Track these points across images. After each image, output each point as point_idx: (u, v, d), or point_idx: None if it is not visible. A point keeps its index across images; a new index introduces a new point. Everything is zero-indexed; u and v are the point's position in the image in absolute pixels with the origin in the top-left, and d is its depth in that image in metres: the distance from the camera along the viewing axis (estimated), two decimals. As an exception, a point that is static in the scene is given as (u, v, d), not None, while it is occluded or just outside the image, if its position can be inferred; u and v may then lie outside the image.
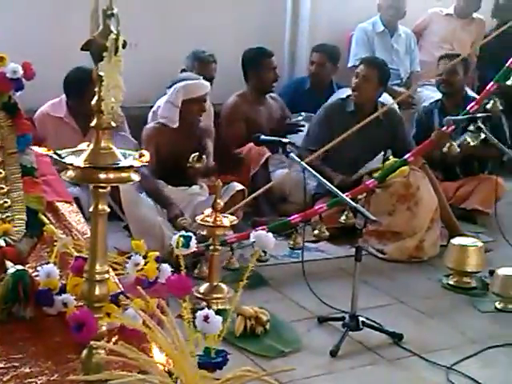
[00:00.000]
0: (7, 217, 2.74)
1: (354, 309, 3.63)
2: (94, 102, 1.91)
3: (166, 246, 4.16)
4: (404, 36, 6.84)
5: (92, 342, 1.98)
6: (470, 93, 5.94)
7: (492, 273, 4.29)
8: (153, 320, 2.08)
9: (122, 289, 2.46)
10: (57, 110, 5.01)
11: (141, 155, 1.96)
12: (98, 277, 2.01)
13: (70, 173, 1.92)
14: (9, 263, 2.51)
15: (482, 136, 4.89)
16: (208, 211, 3.93)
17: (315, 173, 4.09)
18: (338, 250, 4.84)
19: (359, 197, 4.68)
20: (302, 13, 6.66)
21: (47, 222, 2.76)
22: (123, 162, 1.93)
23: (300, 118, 5.83)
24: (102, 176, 1.90)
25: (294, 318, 3.88)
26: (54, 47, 5.30)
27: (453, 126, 4.81)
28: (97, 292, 2.02)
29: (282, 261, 4.65)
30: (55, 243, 2.65)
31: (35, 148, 1.99)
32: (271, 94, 5.81)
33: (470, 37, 7.15)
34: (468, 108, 4.96)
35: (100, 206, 1.97)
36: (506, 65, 4.86)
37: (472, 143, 4.99)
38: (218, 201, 3.90)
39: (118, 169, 1.91)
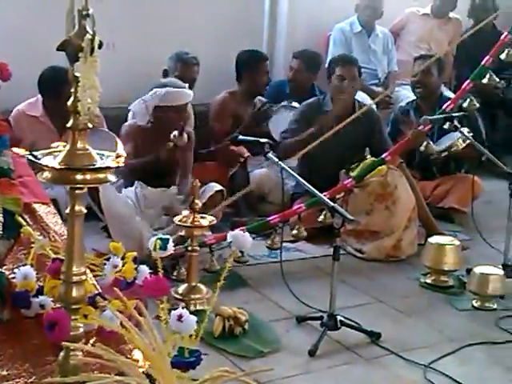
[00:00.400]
0: (-16, 219, 2.73)
1: (333, 308, 3.64)
2: (70, 102, 1.90)
3: (145, 246, 4.15)
4: (381, 36, 6.87)
5: (69, 344, 1.97)
6: (447, 92, 5.98)
7: (469, 271, 4.31)
8: (131, 321, 2.08)
9: (100, 290, 2.46)
10: (33, 109, 4.98)
11: (117, 156, 1.95)
12: (74, 278, 2.00)
13: (46, 174, 1.92)
14: (-15, 265, 2.50)
15: (468, 141, 4.94)
16: (186, 212, 3.93)
17: (293, 173, 4.10)
18: (316, 249, 4.84)
19: (337, 196, 4.69)
20: (280, 14, 6.67)
21: (24, 223, 2.74)
22: (100, 163, 1.92)
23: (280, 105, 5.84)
24: (79, 177, 1.89)
25: (272, 317, 3.89)
26: (30, 47, 5.26)
27: (429, 125, 4.85)
28: (74, 294, 2.01)
29: (261, 261, 4.65)
30: (32, 245, 2.63)
31: (13, 148, 1.98)
32: (260, 98, 5.83)
33: (447, 36, 7.20)
34: (444, 107, 5.00)
35: (77, 207, 1.97)
36: (482, 63, 4.90)
37: (461, 146, 5.06)
38: (196, 201, 3.90)
39: (94, 170, 1.91)
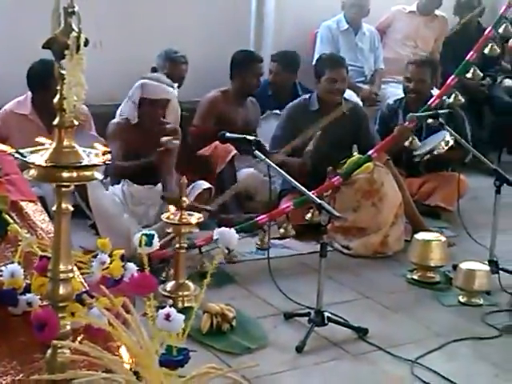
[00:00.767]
0: (-30, 217, 2.72)
1: (320, 304, 3.65)
2: (56, 100, 1.90)
3: (133, 244, 4.15)
4: (368, 34, 6.89)
5: (56, 342, 1.97)
6: (435, 91, 6.01)
7: (455, 267, 4.34)
8: (118, 319, 2.08)
9: (87, 288, 2.46)
10: (21, 108, 4.96)
11: (104, 153, 1.96)
12: (62, 276, 2.00)
13: (33, 172, 1.92)
14: (-28, 263, 2.50)
15: (450, 143, 4.98)
16: (173, 209, 3.93)
17: (280, 170, 4.11)
18: (303, 246, 4.86)
19: (325, 194, 4.71)
20: (267, 12, 6.68)
21: (11, 221, 2.74)
22: (86, 161, 1.92)
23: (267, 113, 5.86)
24: (65, 175, 1.89)
25: (260, 314, 3.90)
26: (16, 45, 5.24)
27: (415, 122, 4.87)
28: (61, 291, 2.02)
29: (248, 258, 4.66)
30: (19, 243, 2.63)
31: (0, 145, 1.98)
32: (251, 99, 5.83)
33: (433, 34, 7.23)
34: (429, 102, 5.02)
35: (63, 205, 1.97)
36: (466, 58, 4.92)
37: (445, 148, 5.09)
38: (184, 199, 3.90)
39: (80, 167, 1.91)
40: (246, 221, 4.72)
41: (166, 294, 3.86)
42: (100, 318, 2.13)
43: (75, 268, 2.29)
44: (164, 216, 3.94)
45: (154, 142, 4.69)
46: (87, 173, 1.92)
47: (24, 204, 2.96)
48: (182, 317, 2.04)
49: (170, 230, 3.92)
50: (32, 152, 1.96)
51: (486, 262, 4.34)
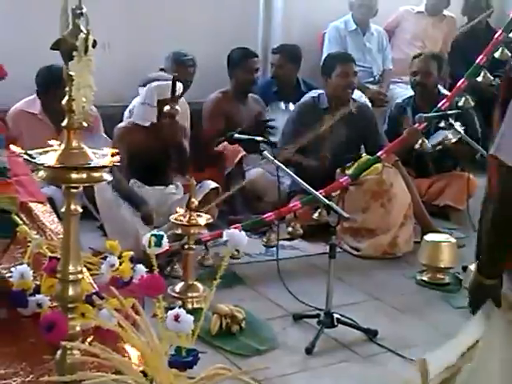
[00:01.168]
0: (-20, 218, 2.73)
1: (329, 306, 3.65)
2: (64, 101, 1.90)
3: (141, 245, 4.15)
4: (376, 34, 6.88)
5: (66, 343, 1.97)
6: (443, 90, 6.00)
7: (465, 268, 4.32)
8: (127, 320, 2.08)
9: (97, 289, 2.46)
10: (31, 107, 5.00)
11: (113, 154, 1.95)
12: (71, 277, 2.00)
13: (42, 173, 1.92)
14: (-19, 265, 2.51)
15: (460, 134, 4.95)
16: (182, 210, 3.93)
17: (289, 171, 4.11)
18: (312, 247, 4.85)
19: (333, 194, 4.70)
20: (275, 13, 6.67)
21: (20, 222, 2.74)
22: (95, 162, 1.92)
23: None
24: (74, 176, 1.89)
25: (269, 315, 3.89)
26: (25, 46, 5.26)
27: (424, 123, 4.86)
28: (70, 292, 2.01)
29: (257, 259, 4.66)
30: (29, 244, 2.64)
31: (11, 146, 1.98)
32: (253, 96, 5.83)
33: (441, 34, 7.20)
34: (439, 105, 5.00)
35: (72, 206, 1.97)
36: (476, 61, 4.91)
37: (454, 139, 5.05)
38: (193, 200, 3.90)
39: (89, 168, 1.91)
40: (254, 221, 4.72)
41: (175, 295, 3.87)
42: (109, 320, 2.13)
43: (84, 269, 2.29)
44: (173, 217, 3.95)
45: (162, 142, 4.69)
46: (96, 174, 1.92)
47: (33, 205, 2.97)
48: (191, 318, 2.03)
49: (179, 231, 3.93)
50: (41, 153, 1.96)
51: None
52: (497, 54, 4.89)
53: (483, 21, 7.10)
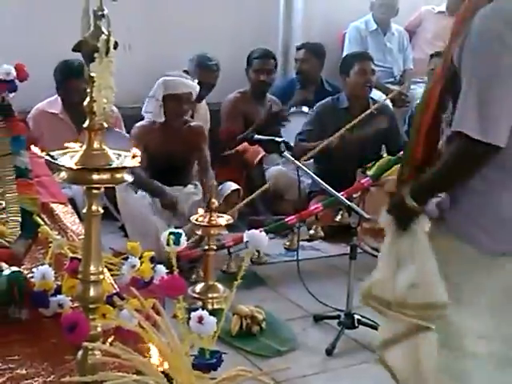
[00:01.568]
0: (2, 218, 2.75)
1: (350, 307, 3.64)
2: (85, 103, 1.91)
3: (162, 245, 4.16)
4: (397, 34, 6.86)
5: (87, 343, 1.97)
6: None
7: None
8: (148, 320, 2.08)
9: (118, 289, 2.46)
10: (52, 107, 5.06)
11: (134, 155, 1.95)
12: (92, 277, 2.00)
13: (63, 174, 1.92)
14: (4, 265, 2.52)
15: None
16: (203, 211, 3.93)
17: (309, 171, 4.10)
18: (333, 248, 4.84)
19: (354, 195, 4.69)
20: (295, 13, 6.67)
21: (42, 223, 2.76)
22: (116, 163, 1.93)
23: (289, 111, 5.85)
24: (95, 177, 1.89)
25: (289, 316, 3.89)
26: (46, 48, 5.29)
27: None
28: (92, 293, 2.02)
29: (278, 260, 4.66)
30: (50, 244, 2.65)
31: (31, 147, 1.99)
32: (272, 97, 5.83)
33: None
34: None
35: (94, 207, 1.97)
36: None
37: None
38: (213, 200, 3.90)
39: (110, 169, 1.91)
40: (275, 222, 4.72)
41: (195, 295, 3.87)
42: (130, 320, 2.14)
43: (105, 270, 2.30)
44: (193, 217, 3.96)
45: (180, 141, 4.70)
46: (117, 175, 1.92)
47: (54, 206, 2.99)
48: (214, 320, 2.03)
49: (199, 232, 3.93)
50: (62, 154, 1.96)
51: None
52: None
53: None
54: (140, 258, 2.52)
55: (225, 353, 2.14)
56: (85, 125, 1.93)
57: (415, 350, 2.37)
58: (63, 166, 1.91)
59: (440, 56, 5.60)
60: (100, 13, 1.86)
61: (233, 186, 4.80)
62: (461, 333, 2.31)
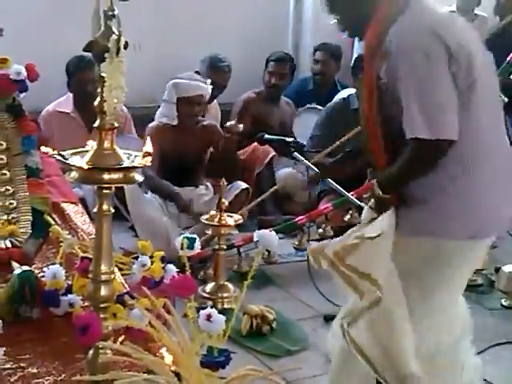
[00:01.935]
0: (13, 218, 2.76)
1: (360, 307, 3.63)
2: (96, 102, 1.91)
3: (172, 246, 4.17)
4: (407, 34, 6.84)
5: (98, 342, 1.98)
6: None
7: (498, 270, 4.28)
8: (159, 320, 2.08)
9: (128, 289, 2.47)
10: (63, 106, 5.09)
11: (145, 155, 1.96)
12: (103, 277, 2.01)
13: (74, 174, 1.93)
14: (15, 264, 2.53)
15: None
16: (213, 211, 3.95)
17: (319, 171, 4.09)
18: (343, 248, 4.82)
19: (364, 195, 4.67)
20: (305, 13, 6.66)
21: (53, 222, 2.77)
22: (127, 163, 1.93)
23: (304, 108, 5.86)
24: (106, 177, 1.90)
25: (300, 316, 3.89)
26: (57, 48, 5.31)
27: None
28: (102, 292, 2.02)
29: (288, 259, 4.65)
30: (61, 244, 2.66)
31: (42, 147, 1.99)
32: (285, 99, 5.84)
33: (474, 34, 7.14)
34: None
35: (104, 207, 1.97)
36: (507, 59, 4.87)
37: None
38: (223, 200, 3.91)
39: (121, 169, 1.91)
40: (284, 222, 4.72)
41: (205, 295, 3.88)
42: (141, 319, 2.14)
43: (116, 269, 2.30)
44: (204, 217, 3.97)
45: (193, 141, 4.71)
46: (128, 175, 1.93)
47: (65, 205, 3.00)
48: (223, 318, 2.04)
49: (209, 232, 3.94)
50: (73, 154, 1.97)
51: (530, 265, 4.29)
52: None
53: (515, 20, 7.03)
54: (151, 258, 2.53)
55: (234, 352, 2.14)
56: (95, 124, 1.94)
57: (375, 325, 2.52)
58: (74, 165, 1.91)
59: None
60: (110, 13, 1.86)
61: (242, 185, 4.81)
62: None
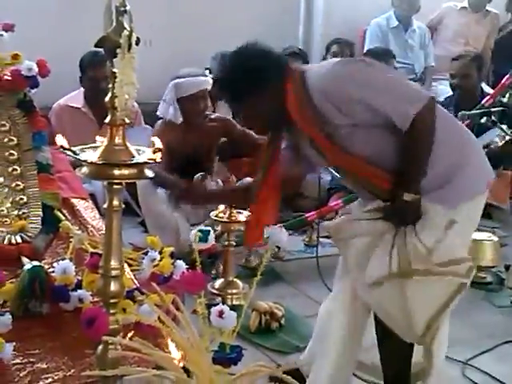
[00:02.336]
0: (23, 213, 2.77)
1: (369, 304, 3.62)
2: (107, 98, 1.92)
3: (181, 241, 4.18)
4: (418, 31, 6.82)
5: (107, 338, 1.98)
6: (486, 89, 5.92)
7: (508, 268, 4.27)
8: (168, 315, 2.09)
9: (138, 284, 2.48)
10: (74, 101, 5.10)
11: (155, 151, 1.96)
12: (113, 272, 2.01)
13: (85, 169, 1.93)
14: (25, 259, 2.54)
15: (507, 138, 4.89)
16: (222, 207, 3.94)
17: (329, 167, 4.09)
18: (352, 245, 4.82)
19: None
20: (316, 9, 6.65)
21: (63, 218, 2.78)
22: (137, 159, 1.93)
23: None
24: (117, 172, 1.90)
25: (308, 313, 3.88)
26: (69, 44, 5.32)
27: (468, 121, 4.80)
28: (112, 288, 2.03)
29: (297, 256, 4.65)
30: (71, 239, 2.67)
31: (57, 138, 1.99)
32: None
33: (485, 31, 7.12)
34: (483, 102, 4.94)
35: (115, 202, 1.98)
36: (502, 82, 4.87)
37: (500, 143, 5.00)
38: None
39: (132, 165, 1.92)
40: (294, 219, 4.72)
41: (214, 291, 3.88)
42: (150, 315, 2.15)
43: (125, 265, 2.30)
44: (213, 213, 3.97)
45: (203, 136, 4.70)
46: (138, 170, 1.93)
47: (75, 201, 3.00)
48: (234, 314, 2.04)
49: (219, 228, 3.94)
50: (84, 149, 1.97)
51: (540, 263, 4.28)
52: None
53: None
54: (160, 254, 2.53)
55: (243, 348, 2.15)
56: (106, 120, 1.94)
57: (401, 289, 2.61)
58: (85, 161, 1.92)
59: (461, 60, 5.56)
60: (122, 8, 1.86)
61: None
62: None
